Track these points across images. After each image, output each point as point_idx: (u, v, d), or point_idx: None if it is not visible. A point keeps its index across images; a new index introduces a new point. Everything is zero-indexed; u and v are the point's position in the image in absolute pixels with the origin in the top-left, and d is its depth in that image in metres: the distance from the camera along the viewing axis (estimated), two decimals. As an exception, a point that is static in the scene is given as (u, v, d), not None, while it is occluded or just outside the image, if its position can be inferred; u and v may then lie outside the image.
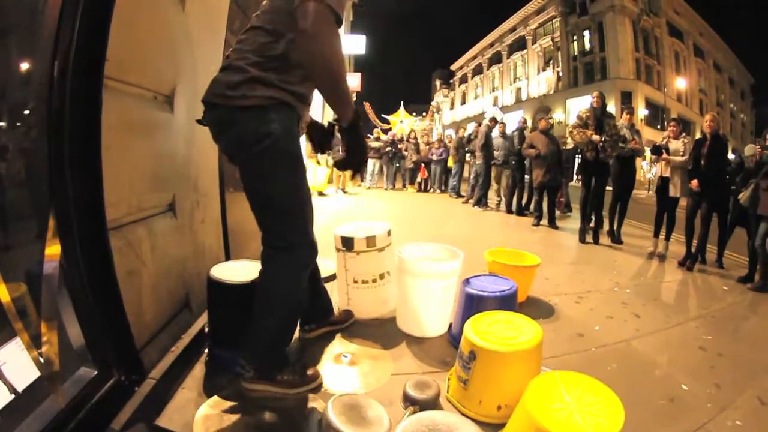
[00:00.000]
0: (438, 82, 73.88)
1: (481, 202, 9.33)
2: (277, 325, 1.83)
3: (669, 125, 6.07)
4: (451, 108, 69.39)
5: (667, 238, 5.95)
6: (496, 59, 55.00)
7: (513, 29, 51.31)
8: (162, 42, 1.92)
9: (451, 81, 69.38)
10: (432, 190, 12.73)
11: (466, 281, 2.51)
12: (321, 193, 10.25)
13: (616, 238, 6.46)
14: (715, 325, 3.73)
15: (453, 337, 2.52)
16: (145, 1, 1.76)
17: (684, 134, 5.95)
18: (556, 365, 2.36)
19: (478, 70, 59.86)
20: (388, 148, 12.41)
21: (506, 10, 52.44)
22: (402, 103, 63.57)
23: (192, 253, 2.23)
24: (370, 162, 12.58)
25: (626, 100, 37.65)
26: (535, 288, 3.66)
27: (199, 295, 2.19)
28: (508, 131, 8.90)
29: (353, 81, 19.80)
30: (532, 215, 7.87)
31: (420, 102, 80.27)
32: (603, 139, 5.80)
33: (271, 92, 1.62)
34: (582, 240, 6.31)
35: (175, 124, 2.05)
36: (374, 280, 2.59)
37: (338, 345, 2.40)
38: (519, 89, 50.95)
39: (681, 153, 5.62)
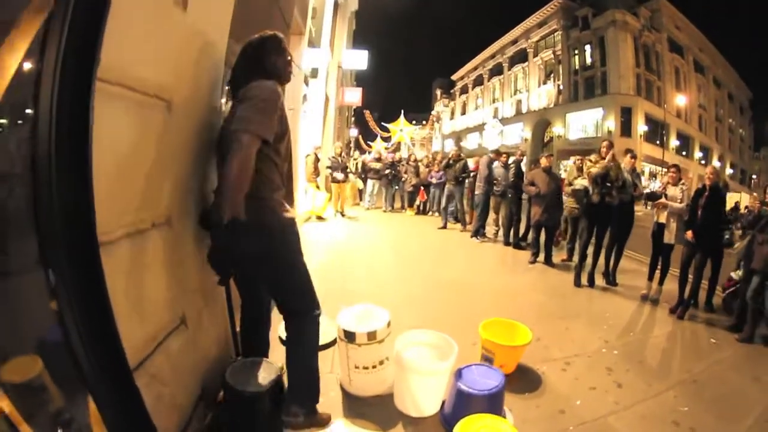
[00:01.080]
0: (438, 92, 74.47)
1: (479, 232, 9.54)
2: (315, 374, 2.48)
3: (669, 171, 6.33)
4: (451, 118, 69.89)
5: (661, 283, 6.21)
6: (497, 71, 55.50)
7: (515, 41, 51.82)
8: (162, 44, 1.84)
9: (451, 91, 69.92)
10: (431, 213, 12.95)
11: (459, 374, 2.73)
12: (320, 218, 10.46)
13: (611, 280, 6.72)
14: (694, 393, 3.93)
15: (444, 419, 2.75)
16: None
17: (682, 181, 6.19)
18: (537, 450, 2.62)
19: (478, 81, 60.38)
20: (387, 171, 12.62)
21: (509, 22, 53.01)
22: (402, 111, 64.01)
23: (205, 352, 2.42)
24: (369, 182, 12.83)
25: (626, 115, 38.07)
26: (530, 354, 3.83)
27: (212, 387, 2.37)
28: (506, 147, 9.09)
29: (354, 96, 20.11)
30: (529, 248, 8.08)
31: (420, 111, 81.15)
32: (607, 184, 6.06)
33: (284, 213, 2.21)
34: (577, 284, 6.51)
35: (176, 239, 2.12)
36: (374, 366, 2.82)
37: (343, 428, 2.62)
38: (519, 101, 51.42)
39: (679, 200, 5.87)
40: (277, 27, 4.01)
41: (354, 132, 46.64)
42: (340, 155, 11.38)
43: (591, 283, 6.56)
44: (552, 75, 46.12)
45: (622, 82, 38.60)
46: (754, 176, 50.64)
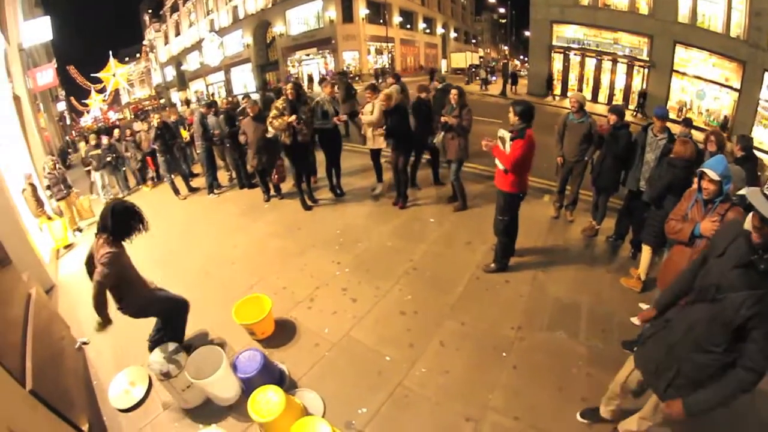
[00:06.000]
0: (147, 17, 67.71)
1: (213, 187, 9.57)
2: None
3: (366, 91, 7.37)
4: (166, 42, 64.85)
5: (380, 180, 7.77)
6: (208, -21, 52.35)
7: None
8: None
9: (161, 12, 64.01)
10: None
11: (234, 366, 3.63)
12: (67, 246, 9.42)
13: (339, 194, 7.99)
14: (415, 279, 5.09)
15: (244, 392, 3.58)
16: None
17: (376, 97, 7.17)
18: (307, 381, 3.76)
19: (189, -5, 56.39)
20: (108, 158, 11.43)
21: None
22: (111, 53, 57.71)
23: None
24: (96, 175, 11.57)
25: (347, 2, 39.87)
26: (280, 305, 4.64)
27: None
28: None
29: (47, 77, 16.11)
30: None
31: (132, 44, 74.03)
32: (299, 120, 6.75)
33: None
34: (305, 207, 7.60)
35: None
36: (189, 386, 3.62)
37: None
38: (236, 8, 49.65)
39: (370, 112, 6.96)
40: None
41: (62, 105, 39.92)
42: (55, 168, 10.15)
43: (314, 200, 7.81)
44: (266, -26, 45.21)
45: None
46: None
